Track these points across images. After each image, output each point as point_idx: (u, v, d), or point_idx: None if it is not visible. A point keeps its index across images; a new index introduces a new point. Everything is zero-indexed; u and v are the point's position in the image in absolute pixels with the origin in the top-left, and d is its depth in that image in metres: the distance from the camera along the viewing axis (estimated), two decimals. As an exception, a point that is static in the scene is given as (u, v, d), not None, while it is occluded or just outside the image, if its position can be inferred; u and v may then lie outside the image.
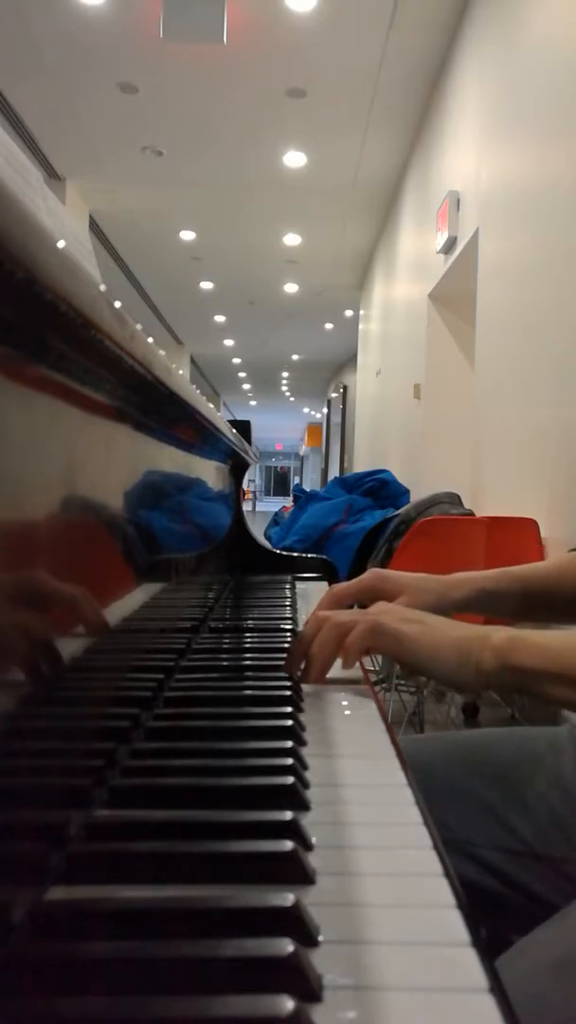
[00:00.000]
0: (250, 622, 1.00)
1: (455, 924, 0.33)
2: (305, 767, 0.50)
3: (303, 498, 4.56)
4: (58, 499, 0.43)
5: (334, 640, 0.66)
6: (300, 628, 0.93)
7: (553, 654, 0.59)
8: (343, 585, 0.81)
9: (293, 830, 0.39)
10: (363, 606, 0.74)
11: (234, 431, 1.26)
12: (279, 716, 0.57)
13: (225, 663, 0.78)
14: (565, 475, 2.51)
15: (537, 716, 2.80)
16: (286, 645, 0.82)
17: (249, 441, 1.53)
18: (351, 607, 0.77)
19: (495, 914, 0.70)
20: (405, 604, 0.76)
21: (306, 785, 0.47)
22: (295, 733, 0.54)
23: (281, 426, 28.77)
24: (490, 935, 0.70)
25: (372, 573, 0.79)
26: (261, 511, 17.55)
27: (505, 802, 0.72)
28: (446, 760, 0.77)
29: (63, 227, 0.63)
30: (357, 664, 0.71)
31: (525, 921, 0.58)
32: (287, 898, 0.32)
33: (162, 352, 0.59)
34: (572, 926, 0.55)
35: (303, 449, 29.92)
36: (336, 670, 0.68)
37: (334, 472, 13.29)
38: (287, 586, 1.30)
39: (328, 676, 0.69)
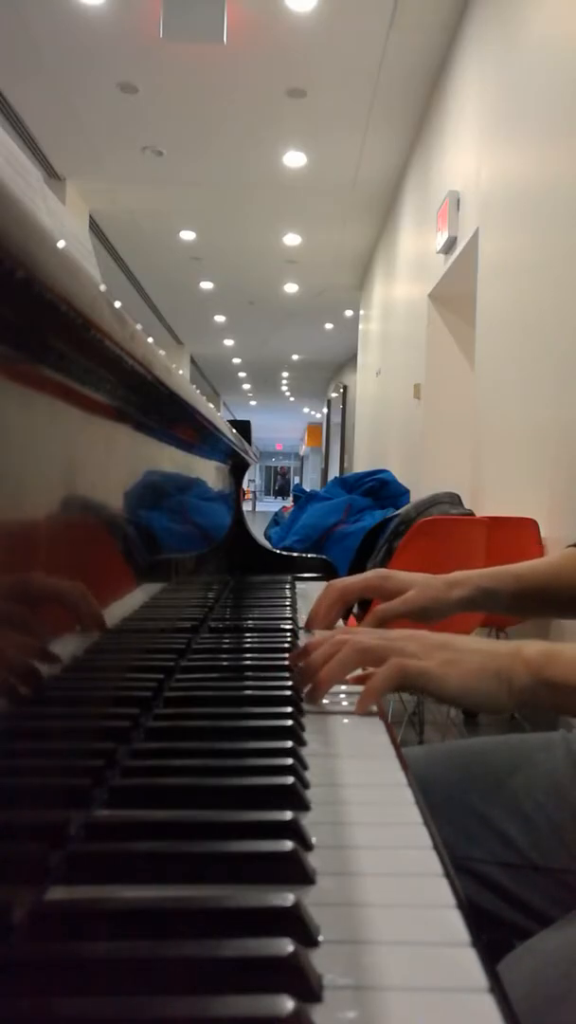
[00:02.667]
0: (250, 622, 1.00)
1: (455, 924, 0.33)
2: (305, 767, 0.50)
3: (303, 498, 4.56)
4: (58, 499, 0.43)
5: (353, 666, 0.63)
6: (300, 627, 0.93)
7: None
8: (345, 582, 0.80)
9: (293, 830, 0.39)
10: (365, 602, 0.74)
11: (234, 431, 1.26)
12: (279, 716, 0.57)
13: (225, 663, 0.78)
14: (565, 475, 2.51)
15: (537, 716, 2.80)
16: (286, 645, 0.82)
17: (249, 441, 1.53)
18: (351, 606, 0.76)
19: (495, 931, 0.69)
20: (411, 597, 0.76)
21: (306, 785, 0.47)
22: (295, 733, 0.54)
23: (281, 426, 28.77)
24: (491, 948, 0.69)
25: (376, 572, 0.79)
26: (261, 511, 17.55)
27: (502, 814, 0.71)
28: (442, 772, 0.75)
29: (63, 227, 0.63)
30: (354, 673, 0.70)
31: (526, 939, 0.58)
32: (287, 898, 0.32)
33: (162, 352, 0.59)
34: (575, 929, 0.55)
35: (303, 449, 29.92)
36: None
37: (334, 472, 13.29)
38: (287, 586, 1.30)
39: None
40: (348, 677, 0.66)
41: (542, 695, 0.58)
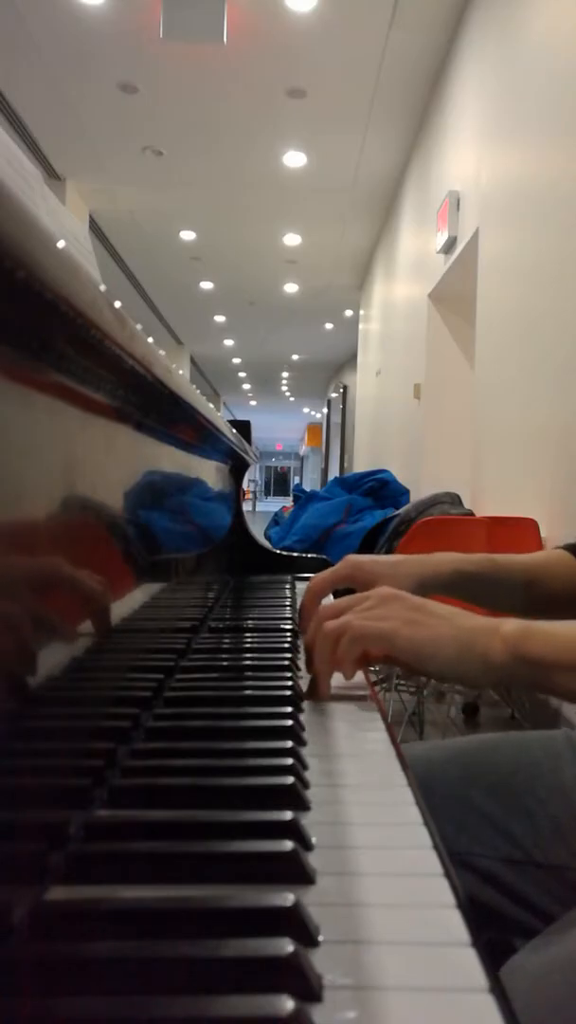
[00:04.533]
0: (250, 622, 1.00)
1: (455, 924, 0.33)
2: (305, 767, 0.50)
3: (303, 498, 4.56)
4: (58, 499, 0.43)
5: (329, 652, 0.63)
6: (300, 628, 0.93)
7: (571, 644, 0.56)
8: (319, 577, 0.80)
9: (293, 830, 0.39)
10: (346, 590, 0.73)
11: (234, 431, 1.26)
12: (279, 716, 0.57)
13: (225, 663, 0.78)
14: (565, 475, 2.52)
15: (537, 716, 2.80)
16: (286, 645, 0.82)
17: (249, 441, 1.53)
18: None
19: (497, 927, 0.69)
20: None
21: (306, 785, 0.47)
22: (295, 733, 0.54)
23: (281, 426, 28.78)
24: (492, 948, 0.69)
25: (346, 561, 0.78)
26: (261, 511, 17.55)
27: (505, 811, 0.71)
28: (443, 769, 0.75)
29: (63, 227, 0.63)
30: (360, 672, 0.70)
31: (527, 935, 0.58)
32: (287, 898, 0.32)
33: (162, 352, 0.59)
34: None
35: (303, 449, 29.93)
36: (339, 679, 0.67)
37: (334, 472, 13.29)
38: (287, 586, 1.30)
39: (336, 691, 0.67)
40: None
41: (520, 672, 0.57)
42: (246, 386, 20.12)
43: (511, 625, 0.58)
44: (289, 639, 0.85)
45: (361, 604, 0.65)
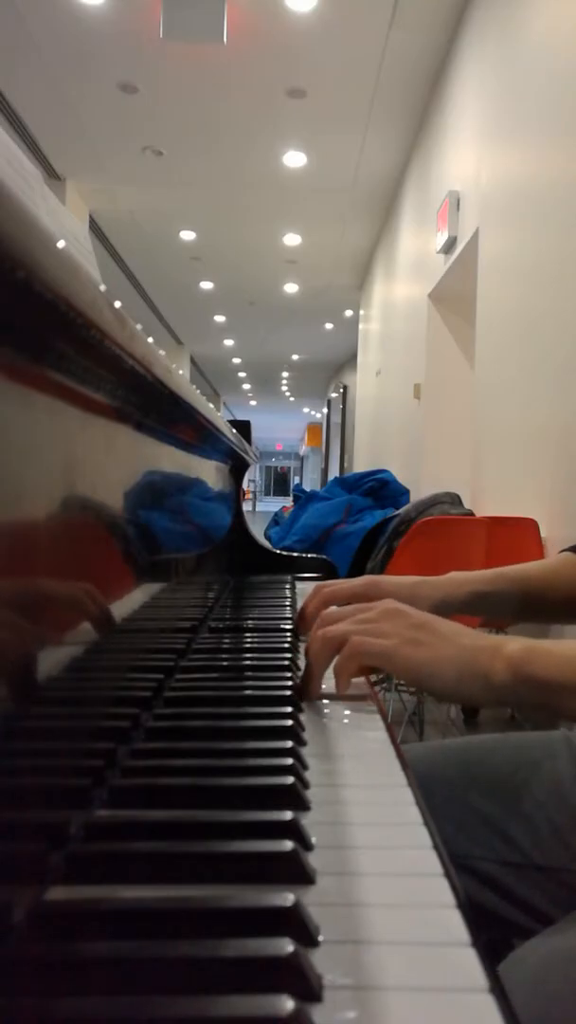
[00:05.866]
0: (250, 622, 1.00)
1: (455, 924, 0.33)
2: (305, 767, 0.50)
3: (303, 498, 4.56)
4: (58, 499, 0.43)
5: (325, 660, 0.64)
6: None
7: (574, 665, 0.55)
8: (334, 587, 0.79)
9: (293, 830, 0.39)
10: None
11: (234, 431, 1.26)
12: (279, 716, 0.57)
13: (225, 663, 0.78)
14: (565, 475, 2.51)
15: (537, 717, 2.80)
16: (286, 645, 0.82)
17: (249, 441, 1.53)
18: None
19: (496, 929, 0.69)
20: None
21: (306, 785, 0.47)
22: (295, 733, 0.54)
23: (281, 426, 28.78)
24: (492, 949, 0.69)
25: (365, 580, 0.78)
26: (261, 511, 17.54)
27: (503, 813, 0.71)
28: (442, 770, 0.75)
29: (63, 227, 0.63)
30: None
31: (526, 938, 0.58)
32: (287, 898, 0.32)
33: (162, 352, 0.59)
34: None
35: (303, 449, 29.93)
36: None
37: (334, 472, 13.29)
38: (287, 586, 1.30)
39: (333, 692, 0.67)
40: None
41: (522, 692, 0.56)
42: (246, 386, 20.12)
43: (514, 645, 0.57)
44: (289, 639, 0.85)
45: (363, 615, 0.64)
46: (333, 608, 0.71)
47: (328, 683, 0.66)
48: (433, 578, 0.80)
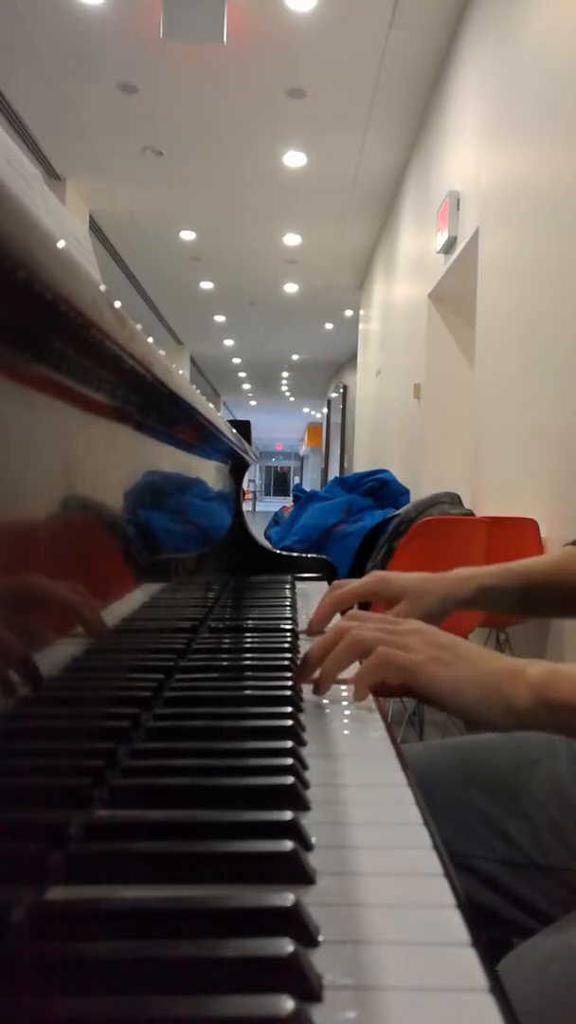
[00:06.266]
0: (250, 622, 1.00)
1: (455, 924, 0.33)
2: (305, 767, 0.50)
3: (303, 498, 4.56)
4: (58, 499, 0.43)
5: (347, 659, 0.64)
6: (300, 628, 0.93)
7: None
8: (345, 590, 0.80)
9: (293, 830, 0.39)
10: (366, 604, 0.73)
11: (234, 431, 1.26)
12: (279, 716, 0.57)
13: (225, 663, 0.78)
14: (565, 475, 2.51)
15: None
16: (286, 645, 0.82)
17: (249, 441, 1.53)
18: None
19: (496, 929, 0.69)
20: (406, 610, 0.75)
21: (306, 785, 0.47)
22: (295, 733, 0.54)
23: (281, 426, 28.77)
24: (492, 949, 0.69)
25: (374, 576, 0.78)
26: (261, 511, 17.54)
27: (503, 812, 0.71)
28: (443, 769, 0.75)
29: (63, 227, 0.63)
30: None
31: (527, 937, 0.58)
32: (287, 898, 0.32)
33: (162, 352, 0.59)
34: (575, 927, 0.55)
35: (303, 449, 29.92)
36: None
37: (334, 472, 13.28)
38: (287, 586, 1.30)
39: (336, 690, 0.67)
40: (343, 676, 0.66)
41: (544, 717, 0.56)
42: (246, 386, 20.12)
43: (537, 669, 0.57)
44: (289, 639, 0.85)
45: (390, 627, 0.64)
46: (359, 612, 0.71)
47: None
48: (440, 574, 0.80)
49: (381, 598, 0.78)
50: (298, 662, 0.76)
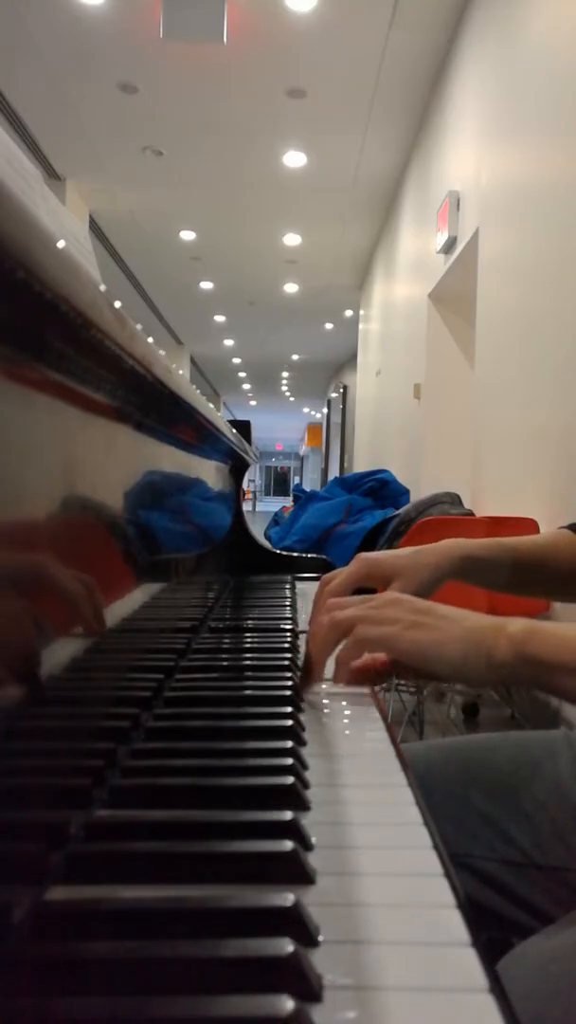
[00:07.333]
0: (250, 622, 1.00)
1: (455, 924, 0.33)
2: (305, 767, 0.50)
3: (303, 498, 4.56)
4: (58, 499, 0.43)
5: (331, 643, 0.64)
6: (300, 628, 0.93)
7: (573, 645, 0.56)
8: (337, 583, 0.79)
9: (293, 830, 0.39)
10: (363, 589, 0.73)
11: (234, 431, 1.26)
12: (279, 716, 0.57)
13: (225, 663, 0.78)
14: (565, 475, 2.52)
15: (537, 716, 2.80)
16: (286, 645, 0.82)
17: (249, 441, 1.53)
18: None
19: (496, 929, 0.69)
20: (400, 589, 0.75)
21: (306, 785, 0.47)
22: (295, 733, 0.54)
23: (281, 426, 28.77)
24: (492, 949, 0.69)
25: (360, 560, 0.76)
26: (261, 511, 17.55)
27: (504, 812, 0.71)
28: (443, 769, 0.75)
29: (63, 227, 0.63)
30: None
31: (527, 937, 0.58)
32: (287, 898, 0.32)
33: (162, 352, 0.59)
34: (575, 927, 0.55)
35: (303, 449, 29.93)
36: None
37: (334, 472, 13.28)
38: (287, 586, 1.30)
39: (337, 690, 0.67)
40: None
41: (522, 671, 0.57)
42: (246, 386, 20.12)
43: (517, 624, 0.58)
44: (289, 639, 0.85)
45: (365, 605, 0.65)
46: (336, 599, 0.71)
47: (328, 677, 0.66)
48: (429, 545, 0.80)
49: (374, 580, 0.77)
50: (298, 662, 0.76)
